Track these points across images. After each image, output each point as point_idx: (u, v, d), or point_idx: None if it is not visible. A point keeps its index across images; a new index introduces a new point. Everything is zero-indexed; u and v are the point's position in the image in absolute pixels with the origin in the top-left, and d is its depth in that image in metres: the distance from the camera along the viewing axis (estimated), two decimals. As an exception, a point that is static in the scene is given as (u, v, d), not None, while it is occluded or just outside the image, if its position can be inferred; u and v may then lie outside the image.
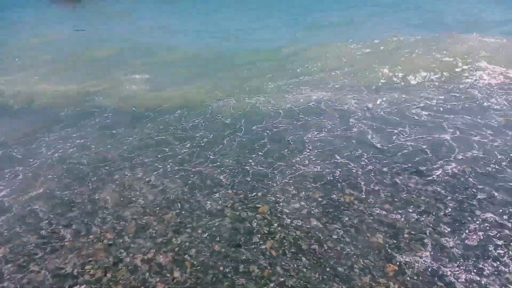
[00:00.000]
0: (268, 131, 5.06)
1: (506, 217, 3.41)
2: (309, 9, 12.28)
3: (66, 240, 3.36)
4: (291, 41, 9.13)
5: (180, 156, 4.59)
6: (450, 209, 3.54)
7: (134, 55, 8.70)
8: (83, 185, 4.12)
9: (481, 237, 3.20)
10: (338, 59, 7.48)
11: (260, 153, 4.57)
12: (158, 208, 3.72)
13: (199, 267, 3.04)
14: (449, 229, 3.30)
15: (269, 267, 3.00)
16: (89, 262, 3.12)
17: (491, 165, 4.13)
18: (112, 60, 8.57)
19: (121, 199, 3.88)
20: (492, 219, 3.39)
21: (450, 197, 3.70)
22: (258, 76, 6.95)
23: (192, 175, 4.22)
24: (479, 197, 3.69)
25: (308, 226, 3.40)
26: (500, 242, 3.14)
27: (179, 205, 3.76)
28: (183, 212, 3.65)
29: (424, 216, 3.47)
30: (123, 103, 6.17)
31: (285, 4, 12.89)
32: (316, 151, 4.56)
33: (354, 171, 4.17)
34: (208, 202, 3.77)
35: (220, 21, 11.34)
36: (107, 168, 4.43)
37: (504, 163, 4.14)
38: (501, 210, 3.49)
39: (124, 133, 5.22)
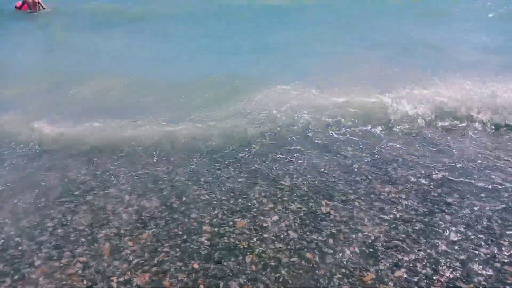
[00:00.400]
0: (239, 147, 5.08)
1: (474, 220, 3.56)
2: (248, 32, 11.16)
3: (36, 265, 3.21)
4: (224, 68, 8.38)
5: (153, 175, 4.52)
6: (421, 216, 3.66)
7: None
8: (54, 208, 3.97)
9: (454, 241, 3.32)
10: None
11: (234, 168, 4.58)
12: (133, 228, 3.63)
13: (178, 286, 2.98)
14: (422, 235, 3.41)
15: (249, 282, 2.99)
16: (62, 287, 3.00)
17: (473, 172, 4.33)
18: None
19: (94, 220, 3.76)
20: (461, 222, 3.54)
21: (421, 204, 3.84)
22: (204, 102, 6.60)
23: (167, 193, 4.16)
24: (448, 201, 3.85)
25: (287, 238, 3.42)
26: (474, 247, 3.27)
27: (155, 223, 3.69)
28: (159, 231, 3.58)
29: (397, 224, 3.57)
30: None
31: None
32: (291, 164, 4.62)
33: (330, 181, 4.25)
34: (185, 219, 3.72)
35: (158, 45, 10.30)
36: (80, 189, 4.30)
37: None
38: (470, 216, 3.65)
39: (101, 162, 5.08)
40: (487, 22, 10.97)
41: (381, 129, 5.35)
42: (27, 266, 3.21)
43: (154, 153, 4.94)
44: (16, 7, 15.12)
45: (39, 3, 15.02)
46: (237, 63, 8.66)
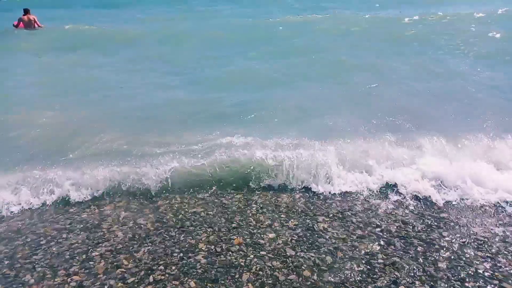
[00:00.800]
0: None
1: (471, 237, 3.57)
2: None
3: (30, 284, 3.15)
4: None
5: (150, 191, 4.50)
6: (418, 232, 3.66)
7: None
8: (48, 226, 3.92)
9: (452, 258, 3.32)
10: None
11: (230, 186, 4.58)
12: (128, 246, 3.59)
13: (174, 306, 2.93)
14: (419, 252, 3.40)
15: (247, 301, 2.95)
16: (56, 307, 2.94)
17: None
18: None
19: (89, 238, 3.72)
20: (459, 239, 3.54)
21: (417, 220, 3.84)
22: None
23: (163, 210, 4.14)
24: (445, 217, 3.86)
25: (284, 255, 3.40)
26: (469, 263, 3.27)
27: (150, 241, 3.65)
28: (155, 249, 3.54)
29: (395, 240, 3.56)
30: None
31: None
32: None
33: (327, 198, 4.26)
34: (181, 237, 3.69)
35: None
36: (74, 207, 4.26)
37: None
38: (468, 233, 3.66)
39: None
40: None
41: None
42: (20, 285, 3.15)
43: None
44: (13, 25, 15.44)
45: (34, 21, 15.32)
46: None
